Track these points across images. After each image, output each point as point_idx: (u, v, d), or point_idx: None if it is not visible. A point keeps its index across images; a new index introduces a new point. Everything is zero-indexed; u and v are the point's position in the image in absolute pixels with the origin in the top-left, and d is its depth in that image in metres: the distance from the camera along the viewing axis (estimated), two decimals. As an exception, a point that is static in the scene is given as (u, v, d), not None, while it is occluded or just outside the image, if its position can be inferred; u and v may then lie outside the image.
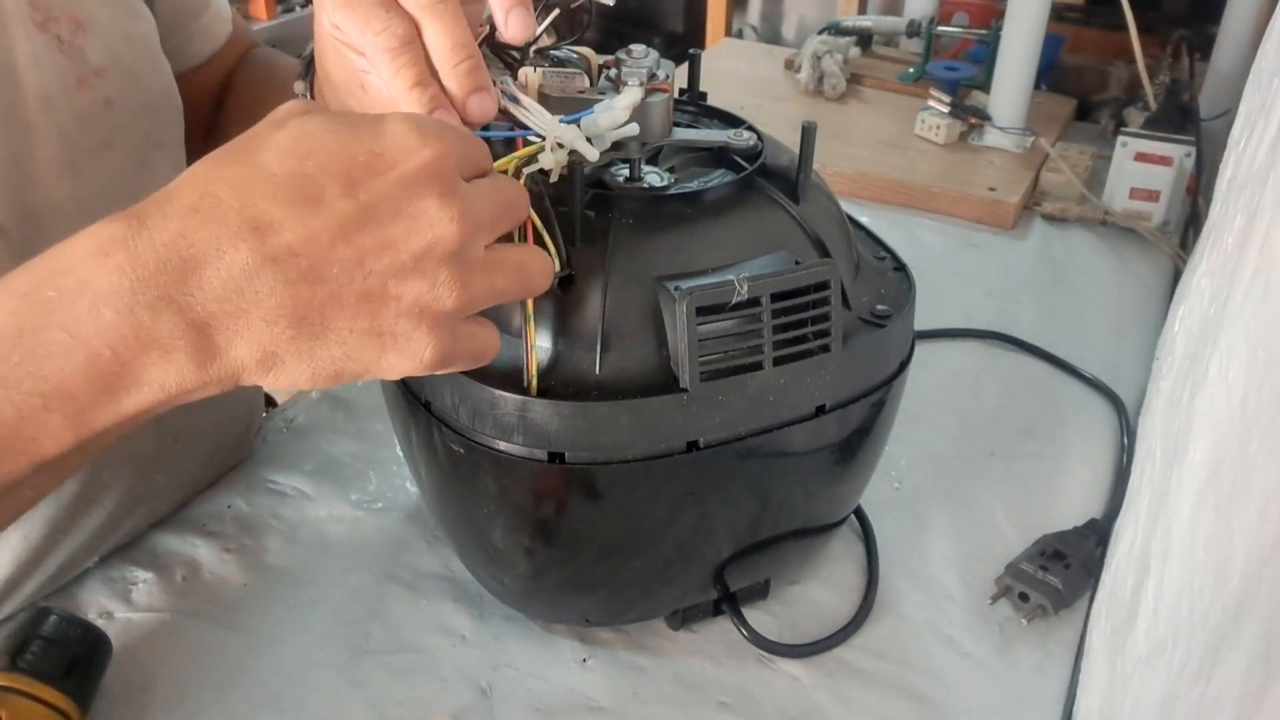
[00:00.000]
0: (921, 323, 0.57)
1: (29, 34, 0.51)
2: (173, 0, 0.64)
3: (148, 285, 0.34)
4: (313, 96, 0.56)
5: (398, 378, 0.40)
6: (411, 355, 0.37)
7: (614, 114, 0.45)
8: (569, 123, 0.45)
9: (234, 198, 0.35)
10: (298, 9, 1.81)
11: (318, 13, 0.48)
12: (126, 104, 0.55)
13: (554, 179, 0.45)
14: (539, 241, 0.45)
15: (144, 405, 0.35)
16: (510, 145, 0.46)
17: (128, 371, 0.34)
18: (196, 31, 0.66)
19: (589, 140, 0.45)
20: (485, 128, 0.52)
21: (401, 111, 0.40)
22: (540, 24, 0.49)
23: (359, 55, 0.45)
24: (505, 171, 0.45)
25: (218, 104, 0.70)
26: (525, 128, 0.45)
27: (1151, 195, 0.97)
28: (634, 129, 0.46)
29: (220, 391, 0.36)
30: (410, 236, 0.36)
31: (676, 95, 0.55)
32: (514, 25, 0.43)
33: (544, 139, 0.44)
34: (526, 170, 0.44)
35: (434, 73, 0.43)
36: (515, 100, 0.45)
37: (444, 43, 0.42)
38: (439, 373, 0.39)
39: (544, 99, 0.47)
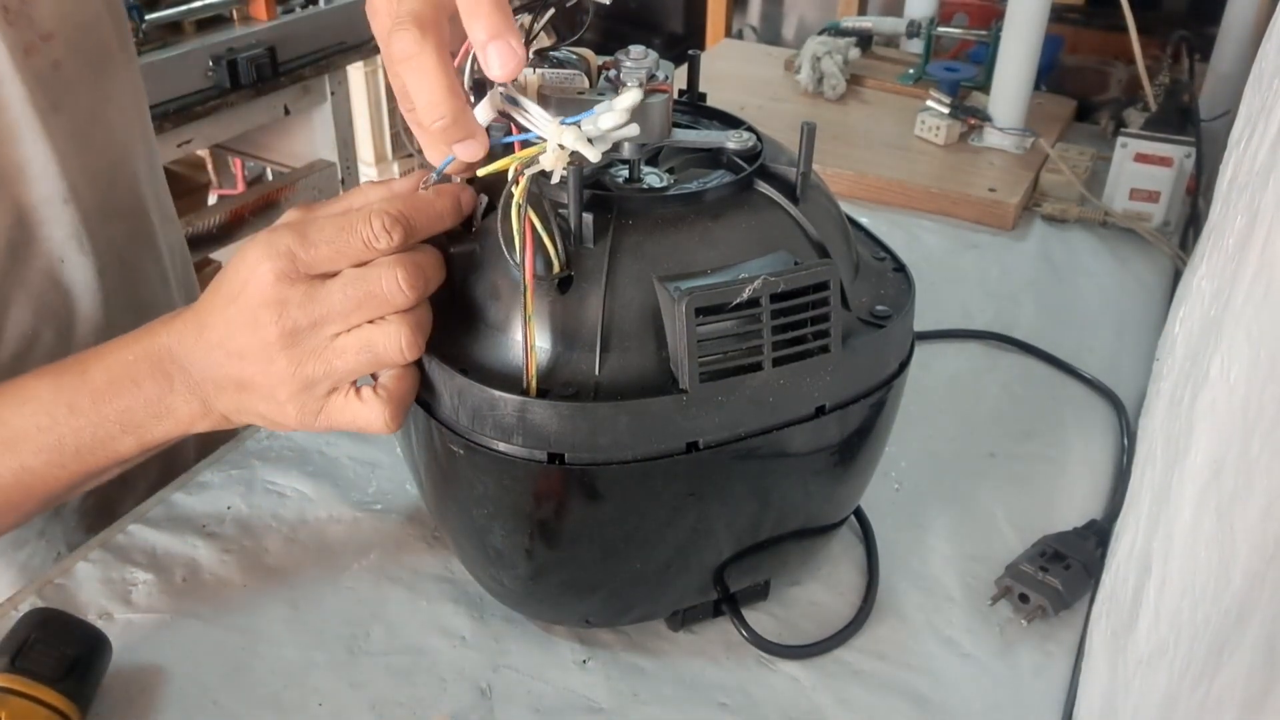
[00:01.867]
0: (921, 323, 0.57)
1: None
2: None
3: (167, 360, 0.51)
4: None
5: (291, 428, 0.50)
6: (274, 409, 0.49)
7: (615, 115, 0.45)
8: (569, 124, 0.44)
9: (193, 312, 0.51)
10: (298, 9, 1.80)
11: None
12: (74, 64, 0.62)
13: (555, 180, 0.45)
14: (538, 242, 0.45)
15: (179, 430, 0.52)
16: (510, 146, 0.46)
17: (169, 408, 0.51)
18: None
19: (590, 141, 0.45)
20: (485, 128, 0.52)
21: (257, 240, 0.48)
22: (539, 24, 0.49)
23: None
24: (505, 172, 0.45)
25: None
26: (525, 129, 0.45)
27: (1151, 196, 0.97)
28: (634, 130, 0.46)
29: (214, 428, 0.52)
30: (253, 337, 0.47)
31: (676, 96, 0.55)
32: (496, 61, 0.42)
33: (544, 140, 0.44)
34: (528, 171, 0.44)
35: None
36: (515, 102, 0.45)
37: (421, 100, 0.43)
38: (325, 425, 0.50)
39: (543, 100, 0.47)
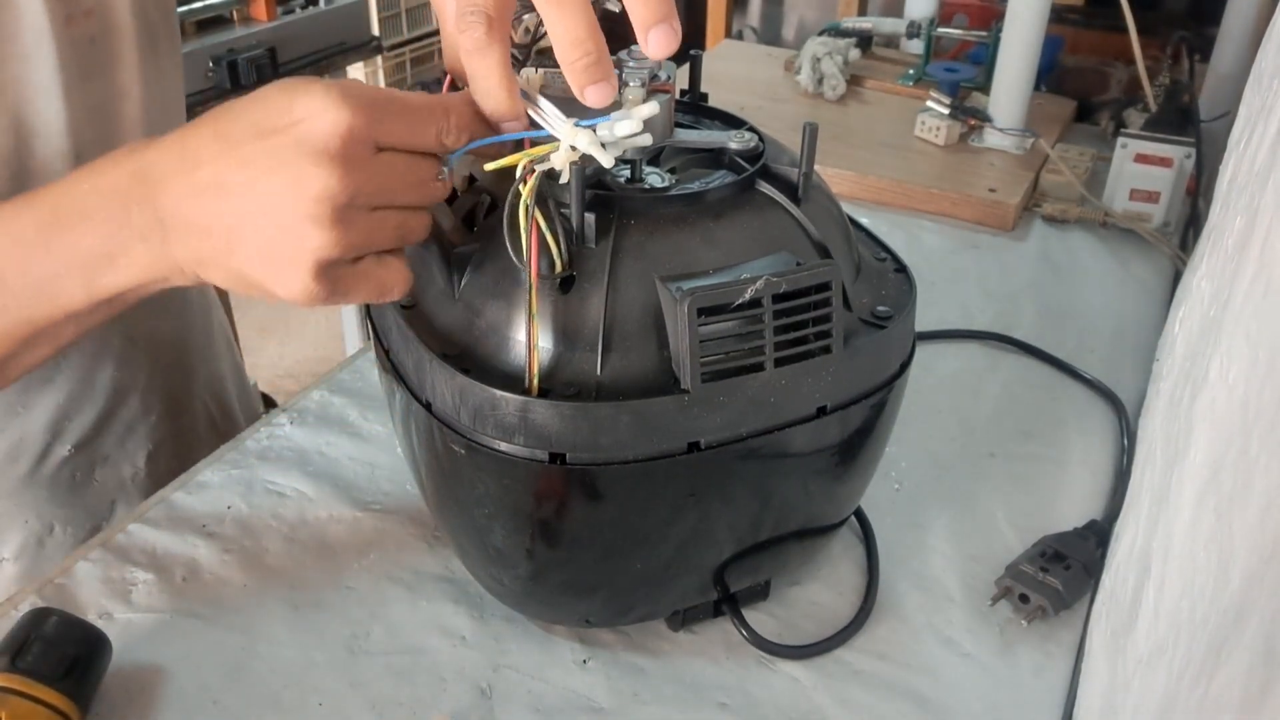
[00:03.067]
0: (922, 324, 0.57)
1: None
2: None
3: (132, 188, 0.45)
4: None
5: (294, 289, 0.44)
6: (307, 286, 0.44)
7: (631, 123, 0.45)
8: (584, 127, 0.44)
9: (190, 139, 0.45)
10: (298, 10, 1.81)
11: None
12: (107, 43, 0.64)
13: (564, 180, 0.45)
14: (542, 242, 0.45)
15: (134, 279, 0.47)
16: (519, 142, 0.46)
17: (123, 250, 0.46)
18: None
19: (603, 146, 0.45)
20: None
21: (339, 81, 0.44)
22: (542, 24, 0.49)
23: None
24: (514, 169, 0.45)
25: None
26: (539, 128, 0.45)
27: (1151, 196, 0.97)
28: (648, 138, 0.46)
29: (187, 283, 0.47)
30: (284, 184, 0.42)
31: (677, 96, 0.55)
32: (656, 45, 0.43)
33: (555, 139, 0.44)
34: (538, 168, 0.44)
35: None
36: (529, 99, 0.45)
37: (563, 38, 0.44)
38: (337, 297, 0.45)
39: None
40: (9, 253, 0.47)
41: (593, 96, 0.44)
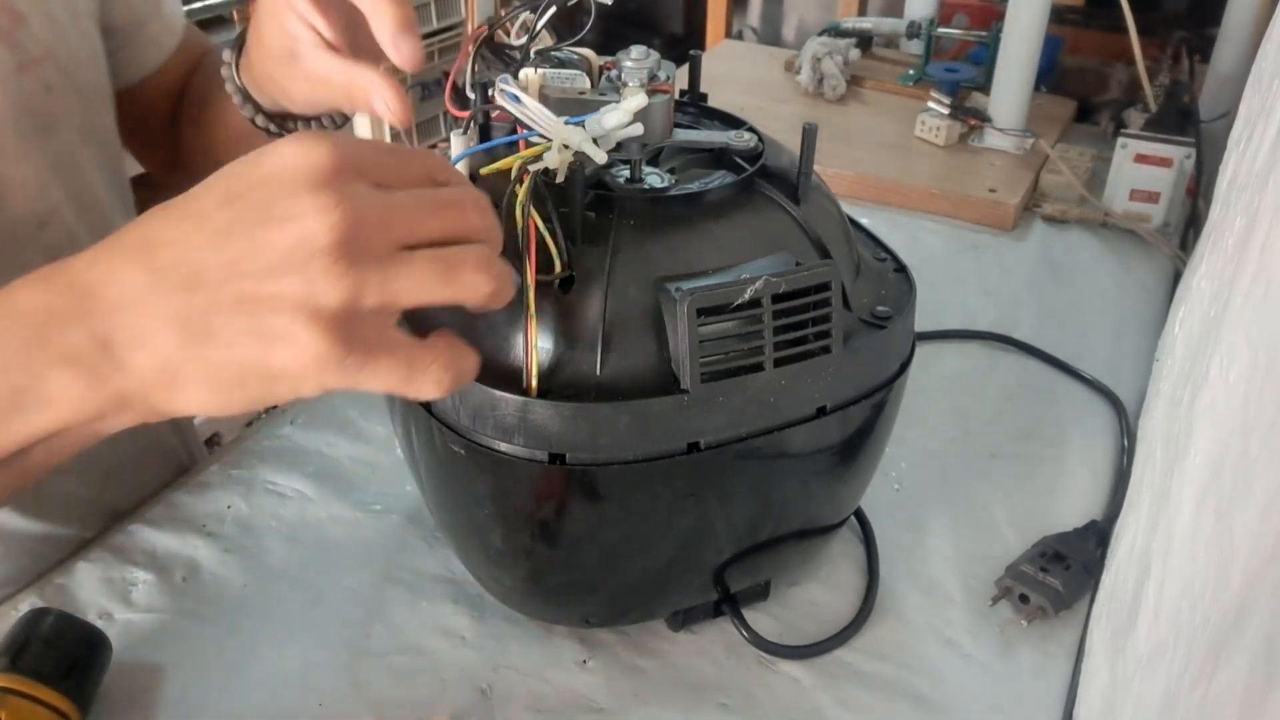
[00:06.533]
0: (922, 324, 0.57)
1: None
2: (118, 13, 0.66)
3: (57, 302, 0.37)
4: (238, 70, 0.61)
5: (311, 388, 0.37)
6: (298, 352, 0.36)
7: (619, 115, 0.45)
8: (574, 124, 0.45)
9: (135, 230, 0.37)
10: (298, 10, 1.81)
11: None
12: (65, 90, 0.60)
13: (560, 179, 0.46)
14: (540, 242, 0.45)
15: (53, 422, 0.37)
16: (513, 146, 0.46)
17: (39, 384, 0.37)
18: (144, 41, 0.69)
19: (595, 142, 0.45)
20: (487, 131, 0.52)
21: (293, 136, 0.39)
22: (540, 23, 0.49)
23: (305, 26, 0.51)
24: (508, 171, 0.45)
25: (175, 110, 0.73)
26: (529, 129, 0.45)
27: (1152, 197, 0.97)
28: (638, 129, 0.46)
29: (132, 421, 0.38)
30: (281, 235, 0.35)
31: (677, 96, 0.55)
32: (402, 52, 0.45)
33: (549, 140, 0.44)
34: (532, 169, 0.44)
35: None
36: (517, 101, 0.45)
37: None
38: (360, 380, 0.37)
39: (545, 100, 0.47)
40: None
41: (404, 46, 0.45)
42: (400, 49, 0.46)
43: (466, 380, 0.39)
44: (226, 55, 0.61)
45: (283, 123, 0.62)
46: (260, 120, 0.61)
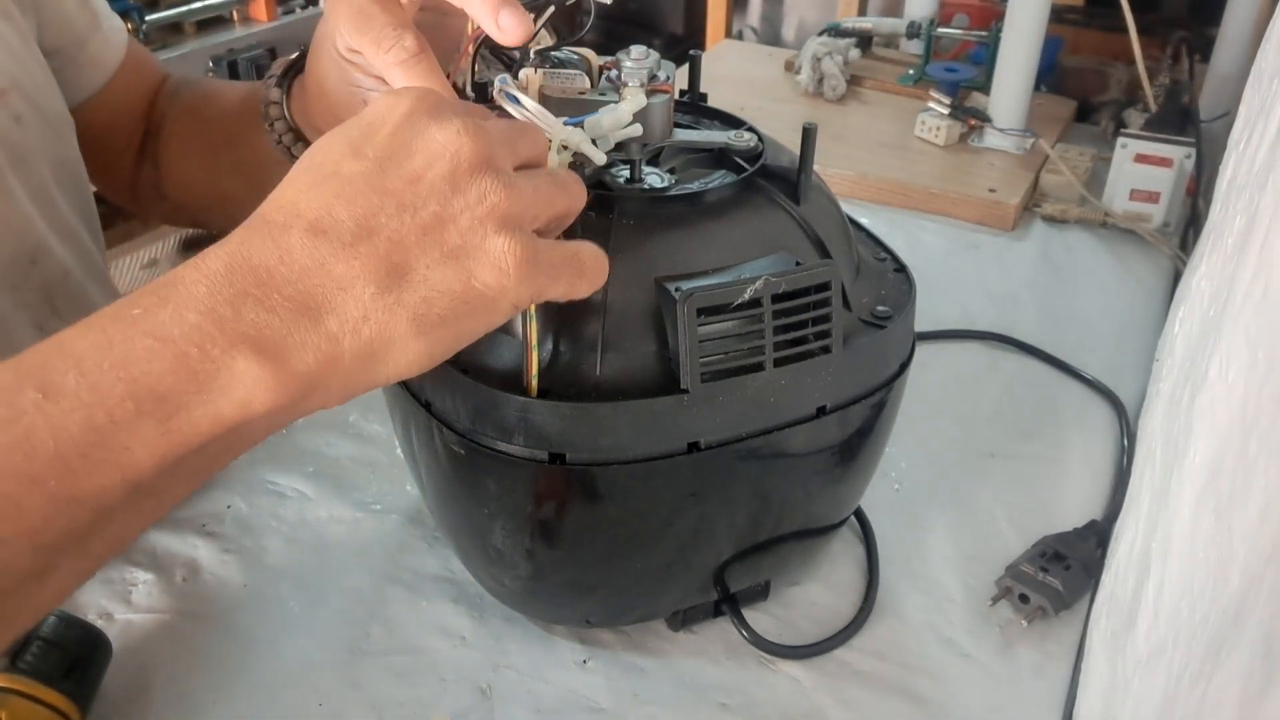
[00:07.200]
0: (922, 324, 0.57)
1: None
2: (57, 34, 0.65)
3: (222, 286, 0.34)
4: (290, 108, 0.59)
5: (505, 308, 0.37)
6: (498, 263, 0.36)
7: (618, 115, 0.45)
8: (573, 124, 0.45)
9: (272, 208, 0.37)
10: (298, 10, 1.80)
11: (326, 37, 0.52)
12: (34, 120, 0.59)
13: None
14: None
15: (239, 411, 0.34)
16: None
17: (218, 369, 0.33)
18: (85, 61, 0.68)
19: (594, 142, 0.45)
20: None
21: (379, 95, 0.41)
22: (539, 23, 0.49)
23: (371, 78, 0.50)
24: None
25: (140, 137, 0.71)
26: None
27: (1151, 197, 0.97)
28: (638, 129, 0.46)
29: (325, 402, 0.36)
30: (430, 162, 0.36)
31: (677, 96, 0.55)
32: (507, 25, 0.43)
33: (548, 140, 0.44)
34: None
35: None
36: (516, 101, 0.45)
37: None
38: (550, 290, 0.39)
39: (544, 100, 0.47)
40: (40, 409, 0.32)
41: (506, 20, 0.43)
42: (504, 25, 0.43)
43: (604, 277, 0.42)
44: (275, 94, 0.60)
45: None
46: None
